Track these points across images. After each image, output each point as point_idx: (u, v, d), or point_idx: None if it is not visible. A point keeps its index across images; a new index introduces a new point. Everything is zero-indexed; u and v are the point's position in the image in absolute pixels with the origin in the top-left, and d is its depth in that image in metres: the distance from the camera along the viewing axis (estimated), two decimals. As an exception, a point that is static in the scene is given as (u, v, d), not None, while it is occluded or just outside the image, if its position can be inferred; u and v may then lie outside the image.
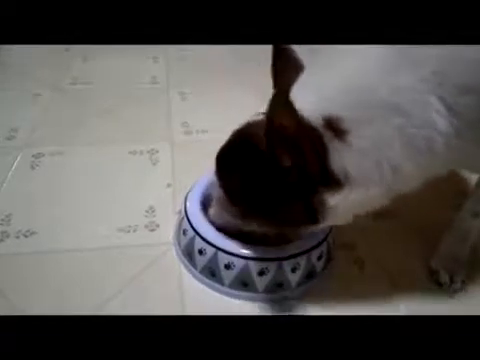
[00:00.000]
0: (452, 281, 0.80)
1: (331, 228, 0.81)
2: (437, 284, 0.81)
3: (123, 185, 1.01)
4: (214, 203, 0.75)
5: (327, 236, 0.80)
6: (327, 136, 0.57)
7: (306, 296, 0.78)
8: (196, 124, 1.24)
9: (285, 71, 0.66)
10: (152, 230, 0.90)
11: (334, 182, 0.58)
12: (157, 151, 1.13)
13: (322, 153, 0.57)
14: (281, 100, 0.54)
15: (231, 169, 0.66)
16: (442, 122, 0.55)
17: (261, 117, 0.61)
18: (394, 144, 0.56)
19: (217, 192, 0.71)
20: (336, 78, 0.59)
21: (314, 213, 0.60)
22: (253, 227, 0.69)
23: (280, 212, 0.63)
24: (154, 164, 1.09)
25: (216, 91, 1.42)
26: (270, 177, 0.60)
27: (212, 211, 0.76)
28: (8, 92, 1.38)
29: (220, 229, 0.76)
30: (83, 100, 1.35)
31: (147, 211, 0.94)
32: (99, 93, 1.39)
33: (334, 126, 0.56)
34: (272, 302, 0.76)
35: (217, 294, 0.77)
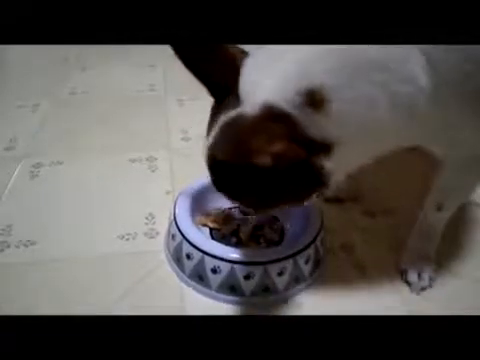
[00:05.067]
0: (420, 278, 0.80)
1: (319, 231, 0.81)
2: (406, 283, 0.80)
3: (122, 193, 1.02)
4: None
5: (314, 240, 0.79)
6: (305, 113, 0.54)
7: (306, 297, 0.78)
8: (194, 130, 1.24)
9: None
10: (152, 237, 0.90)
11: (323, 149, 0.56)
12: (156, 158, 1.14)
13: (301, 137, 0.54)
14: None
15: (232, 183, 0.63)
16: (424, 78, 0.54)
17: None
18: (377, 103, 0.54)
19: None
20: (312, 47, 0.55)
21: (317, 177, 0.59)
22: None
23: (290, 190, 0.61)
24: (153, 171, 1.10)
25: (214, 97, 1.42)
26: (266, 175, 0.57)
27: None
28: (7, 102, 1.39)
29: None
30: (82, 109, 1.36)
31: (147, 218, 0.95)
32: (97, 102, 1.40)
33: (315, 98, 0.54)
34: (259, 306, 0.76)
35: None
